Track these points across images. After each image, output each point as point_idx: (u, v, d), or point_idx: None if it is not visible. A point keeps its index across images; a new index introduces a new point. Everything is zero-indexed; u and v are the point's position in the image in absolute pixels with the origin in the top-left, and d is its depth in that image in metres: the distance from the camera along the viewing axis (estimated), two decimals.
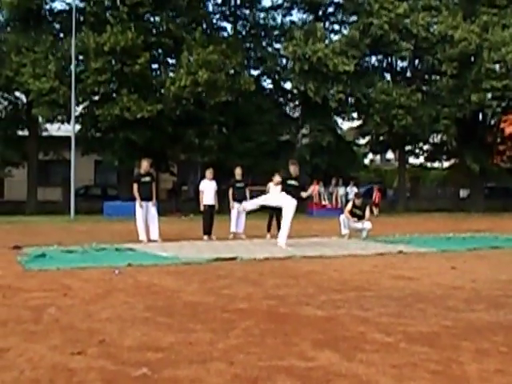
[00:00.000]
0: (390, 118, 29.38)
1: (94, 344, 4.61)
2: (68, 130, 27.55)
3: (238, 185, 14.90)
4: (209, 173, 14.66)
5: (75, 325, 5.23)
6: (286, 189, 12.43)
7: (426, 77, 33.42)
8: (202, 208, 14.41)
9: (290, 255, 10.47)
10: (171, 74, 28.62)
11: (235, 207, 14.55)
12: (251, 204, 13.32)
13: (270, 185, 15.15)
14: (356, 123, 35.66)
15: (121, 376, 3.89)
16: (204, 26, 30.63)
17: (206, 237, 14.05)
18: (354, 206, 14.63)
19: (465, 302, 6.40)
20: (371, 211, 28.02)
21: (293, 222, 12.32)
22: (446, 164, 41.16)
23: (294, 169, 12.72)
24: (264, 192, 14.70)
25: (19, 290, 6.93)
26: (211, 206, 14.41)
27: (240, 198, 14.66)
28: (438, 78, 32.29)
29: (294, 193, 12.36)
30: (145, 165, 13.67)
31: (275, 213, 14.68)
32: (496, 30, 28.57)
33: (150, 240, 13.07)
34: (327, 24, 33.31)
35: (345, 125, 37.65)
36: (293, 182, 12.48)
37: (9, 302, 6.23)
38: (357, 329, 5.14)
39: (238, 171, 15.05)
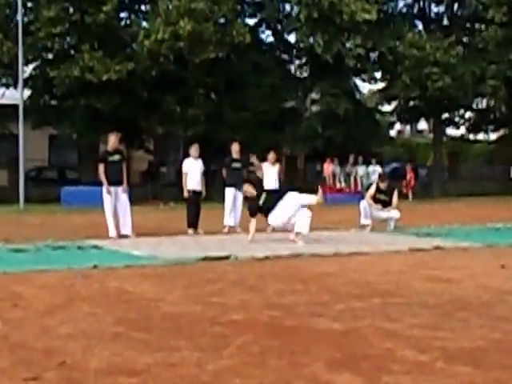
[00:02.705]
0: (422, 77, 29.33)
1: (52, 367, 4.62)
2: (15, 96, 27.46)
3: (235, 165, 14.90)
4: (194, 150, 14.64)
5: (28, 343, 5.24)
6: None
7: (468, 25, 33.32)
8: (185, 194, 14.40)
9: (297, 253, 10.50)
10: (145, 25, 28.50)
11: (230, 194, 14.59)
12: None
13: (265, 165, 15.22)
14: (379, 85, 35.62)
15: None
16: None
17: (190, 230, 14.07)
18: (377, 190, 14.65)
19: None
20: (406, 196, 28.60)
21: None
22: (493, 136, 41.20)
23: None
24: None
25: None
26: (197, 192, 14.41)
27: (235, 182, 14.67)
28: (482, 26, 32.19)
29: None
30: (112, 140, 13.64)
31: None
32: None
33: (120, 235, 13.08)
34: None
35: (365, 87, 37.62)
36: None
37: None
38: (382, 345, 5.16)
39: (236, 147, 15.05)
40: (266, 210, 12.37)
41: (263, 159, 15.62)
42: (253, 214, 12.36)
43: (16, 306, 6.60)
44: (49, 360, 4.78)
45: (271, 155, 15.29)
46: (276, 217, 12.36)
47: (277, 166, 15.29)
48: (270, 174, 15.04)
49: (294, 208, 12.20)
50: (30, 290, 7.51)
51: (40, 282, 7.97)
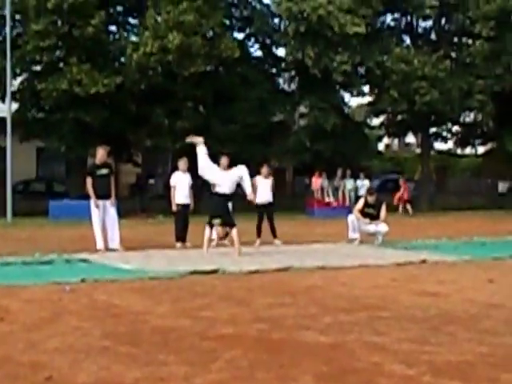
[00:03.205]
0: (410, 92, 29.43)
1: (39, 381, 4.60)
2: (2, 109, 27.39)
3: None
4: (183, 163, 14.66)
5: (14, 357, 5.22)
6: None
7: (455, 40, 33.49)
8: (174, 208, 14.40)
9: (285, 266, 10.50)
10: (133, 38, 28.54)
11: None
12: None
13: (258, 178, 15.21)
14: (367, 99, 35.75)
15: None
16: None
17: (179, 244, 14.06)
18: (365, 204, 14.68)
19: (505, 323, 6.45)
20: (405, 210, 28.51)
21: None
22: (480, 150, 41.36)
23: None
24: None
25: None
26: (186, 206, 14.41)
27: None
28: (470, 41, 32.37)
29: None
30: (101, 153, 13.64)
31: (266, 213, 14.82)
32: None
33: (108, 249, 13.05)
34: None
35: (353, 101, 37.77)
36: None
37: None
38: (370, 359, 5.16)
39: (224, 161, 15.01)
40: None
41: (256, 173, 15.64)
42: (231, 225, 12.41)
43: (2, 320, 6.56)
44: (35, 374, 4.76)
45: (264, 169, 15.30)
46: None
47: (270, 180, 15.29)
48: (263, 188, 15.06)
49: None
50: (16, 303, 7.48)
51: (27, 296, 7.94)
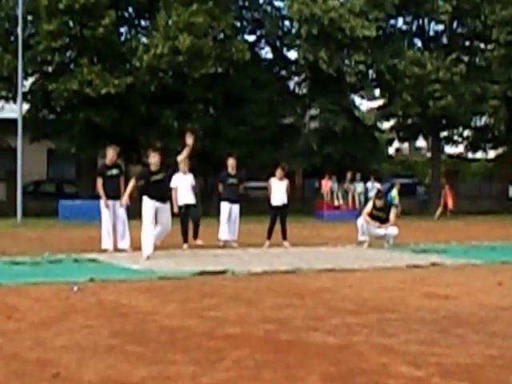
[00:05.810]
0: (423, 96, 29.27)
1: (46, 378, 4.60)
2: (13, 109, 27.48)
3: (231, 180, 14.89)
4: (183, 164, 14.50)
5: (22, 355, 5.22)
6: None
7: (467, 44, 33.39)
8: (175, 210, 14.16)
9: (294, 268, 10.49)
10: (144, 40, 28.59)
11: (226, 208, 14.62)
12: None
13: (272, 180, 15.17)
14: (378, 103, 35.71)
15: None
16: None
17: (186, 245, 14.04)
18: (374, 207, 14.64)
19: None
20: (450, 213, 28.25)
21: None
22: (491, 154, 41.22)
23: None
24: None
25: None
26: (189, 206, 14.36)
27: (232, 197, 14.70)
28: (482, 45, 32.25)
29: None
30: (111, 154, 13.65)
31: (280, 215, 14.76)
32: None
33: (117, 249, 13.06)
34: None
35: (364, 104, 37.71)
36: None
37: None
38: (378, 360, 5.15)
39: (232, 162, 15.04)
40: None
41: (271, 175, 15.59)
42: None
43: (10, 318, 6.58)
44: (43, 372, 4.76)
45: (279, 171, 15.19)
46: None
47: (285, 182, 15.17)
48: (278, 190, 14.98)
49: None
50: (25, 302, 7.50)
51: (35, 295, 7.96)
